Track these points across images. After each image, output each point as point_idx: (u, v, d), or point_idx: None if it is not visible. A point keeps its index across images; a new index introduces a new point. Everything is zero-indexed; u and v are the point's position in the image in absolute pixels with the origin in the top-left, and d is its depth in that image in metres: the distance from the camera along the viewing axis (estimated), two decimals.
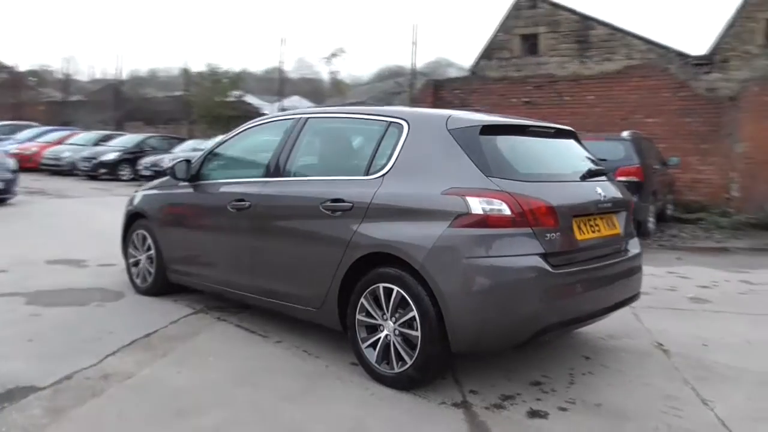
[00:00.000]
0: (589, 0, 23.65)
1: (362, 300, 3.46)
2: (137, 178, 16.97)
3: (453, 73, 39.10)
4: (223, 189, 4.49)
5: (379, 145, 3.64)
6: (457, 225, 3.10)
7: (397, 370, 3.31)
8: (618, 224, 3.71)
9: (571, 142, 4.00)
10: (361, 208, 3.48)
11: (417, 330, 3.20)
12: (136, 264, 5.30)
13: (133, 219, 5.36)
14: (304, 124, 4.15)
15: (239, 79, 21.75)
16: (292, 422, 2.97)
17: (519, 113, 15.15)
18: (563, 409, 3.15)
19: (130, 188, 16.03)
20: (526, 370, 3.66)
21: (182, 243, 4.80)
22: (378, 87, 33.83)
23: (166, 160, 15.81)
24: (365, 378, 3.48)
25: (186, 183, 4.75)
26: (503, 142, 3.44)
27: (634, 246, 3.87)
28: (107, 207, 11.83)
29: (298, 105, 23.91)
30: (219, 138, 4.88)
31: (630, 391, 3.42)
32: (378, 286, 3.37)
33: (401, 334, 3.30)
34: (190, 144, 17.98)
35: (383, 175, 3.49)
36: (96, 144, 19.10)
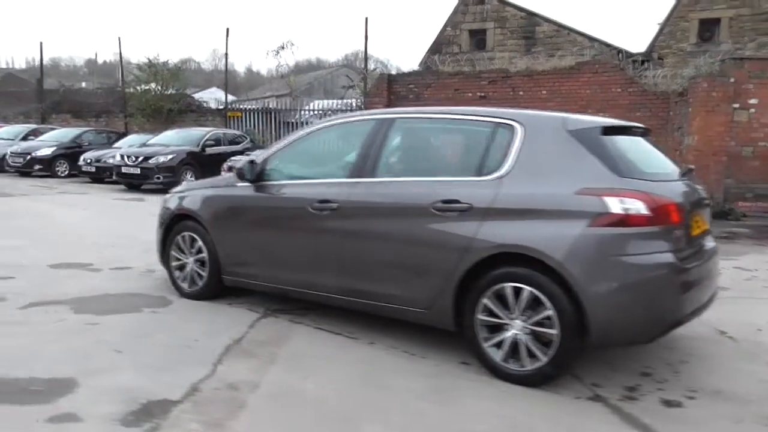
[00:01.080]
0: None
1: (484, 300, 3.51)
2: (78, 174, 15.99)
3: (371, 66, 39.25)
4: (299, 190, 4.39)
5: (488, 146, 3.69)
6: (596, 224, 3.23)
7: (529, 367, 3.40)
8: (707, 220, 3.96)
9: (649, 140, 4.20)
10: (481, 208, 3.52)
11: (554, 328, 3.29)
12: (182, 268, 5.08)
13: (175, 221, 5.12)
14: (391, 124, 4.13)
15: (179, 72, 20.88)
16: (450, 423, 2.99)
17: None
18: (690, 398, 3.35)
19: (74, 185, 15.19)
20: (627, 363, 3.84)
21: (247, 244, 4.64)
22: (302, 80, 33.40)
23: (113, 155, 15.00)
24: (485, 375, 3.55)
25: (248, 183, 4.60)
26: (618, 142, 3.58)
27: (711, 241, 4.15)
28: (65, 206, 11.14)
29: (218, 96, 23.20)
30: (286, 139, 4.74)
31: (729, 377, 3.68)
32: (504, 286, 3.44)
33: (532, 332, 3.39)
34: (133, 139, 17.10)
35: (501, 176, 3.55)
36: (24, 138, 17.79)
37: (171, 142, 15.53)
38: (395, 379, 3.51)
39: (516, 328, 3.44)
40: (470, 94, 15.79)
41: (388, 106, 16.64)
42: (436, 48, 17.40)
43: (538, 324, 3.36)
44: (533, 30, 16.67)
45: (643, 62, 15.45)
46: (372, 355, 3.87)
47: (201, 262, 4.96)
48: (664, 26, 15.53)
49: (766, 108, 11.84)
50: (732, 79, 11.87)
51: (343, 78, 33.82)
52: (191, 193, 5.12)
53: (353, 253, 4.04)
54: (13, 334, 4.04)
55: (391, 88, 16.69)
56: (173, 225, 5.15)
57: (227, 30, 19.65)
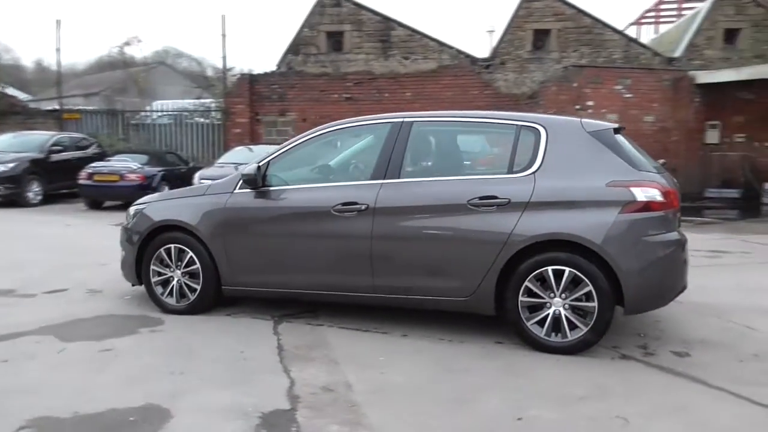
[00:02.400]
0: (389, 1, 25.21)
1: (527, 283, 3.94)
2: None
3: (184, 63, 37.74)
4: (316, 194, 4.45)
5: (515, 147, 4.12)
6: (626, 211, 3.81)
7: (571, 338, 3.89)
8: None
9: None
10: (519, 202, 3.94)
11: (593, 301, 3.82)
12: (165, 282, 4.83)
13: (153, 234, 4.84)
14: (410, 127, 4.36)
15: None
16: (550, 389, 3.36)
17: (341, 109, 15.96)
18: (689, 348, 4.09)
19: None
20: (621, 330, 4.49)
21: (255, 252, 4.57)
22: (105, 78, 30.93)
23: None
24: (525, 350, 3.98)
25: (252, 189, 4.55)
26: (622, 140, 4.21)
27: None
28: None
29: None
30: (287, 144, 4.72)
31: (700, 330, 4.50)
32: (546, 269, 3.89)
33: (572, 307, 3.89)
34: None
35: (533, 173, 4.00)
36: None
37: (8, 148, 13.80)
38: (466, 362, 3.81)
39: (557, 306, 3.91)
40: (336, 95, 16.15)
41: (251, 106, 16.42)
42: (294, 49, 17.40)
43: (578, 300, 3.87)
44: (389, 34, 17.41)
45: (487, 66, 16.95)
46: (420, 346, 4.10)
47: (191, 275, 4.76)
48: (504, 34, 17.16)
49: (600, 108, 13.76)
50: (575, 84, 13.62)
51: (162, 76, 32.02)
52: (175, 202, 4.88)
53: (388, 252, 4.22)
54: (31, 369, 3.64)
55: (253, 89, 16.47)
56: (151, 238, 4.86)
57: (58, 22, 17.82)
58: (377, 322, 4.52)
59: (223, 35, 17.22)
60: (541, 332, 3.96)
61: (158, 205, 4.97)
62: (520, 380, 3.52)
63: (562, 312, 3.91)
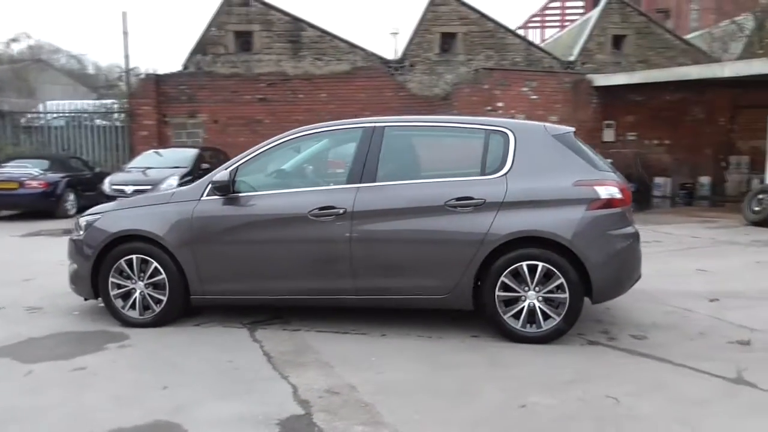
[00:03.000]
0: (297, 2, 24.77)
1: (503, 278, 4.16)
2: None
3: (62, 60, 35.45)
4: (289, 199, 4.44)
5: (486, 150, 4.33)
6: (591, 208, 4.12)
7: (545, 327, 4.16)
8: None
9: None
10: (494, 202, 4.16)
11: (565, 293, 4.10)
12: (126, 296, 4.63)
13: (111, 245, 4.62)
14: (382, 132, 4.46)
15: None
16: (539, 375, 3.57)
17: (254, 111, 15.71)
18: (644, 331, 4.49)
19: None
20: (581, 317, 4.83)
21: (228, 260, 4.48)
22: None
23: None
24: (501, 342, 4.20)
25: (221, 196, 4.47)
26: (579, 143, 4.53)
27: None
28: None
29: None
30: (255, 149, 4.65)
31: (646, 314, 4.93)
32: (521, 265, 4.14)
33: (545, 299, 4.15)
34: None
35: (505, 174, 4.23)
36: None
37: None
38: (452, 356, 3.97)
39: (531, 298, 4.17)
40: (249, 97, 15.86)
41: (157, 108, 15.76)
42: (202, 49, 16.87)
43: (550, 292, 4.14)
44: (299, 35, 17.29)
45: (397, 68, 17.30)
46: (403, 345, 4.20)
47: (156, 285, 4.60)
48: (413, 37, 17.58)
49: (509, 109, 14.45)
50: (486, 86, 14.22)
51: (41, 74, 29.83)
52: (135, 212, 4.68)
53: (368, 254, 4.30)
54: (2, 396, 3.39)
55: (160, 89, 15.83)
56: (108, 249, 4.64)
57: None
58: (352, 324, 4.59)
59: (125, 33, 16.44)
60: (517, 324, 4.19)
61: (114, 215, 4.75)
62: (510, 370, 3.73)
63: (536, 304, 4.16)
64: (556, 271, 4.11)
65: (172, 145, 14.81)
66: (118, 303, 4.65)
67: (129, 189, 10.64)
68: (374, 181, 4.36)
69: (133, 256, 4.59)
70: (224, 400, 3.30)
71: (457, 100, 14.21)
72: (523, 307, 4.18)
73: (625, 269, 4.28)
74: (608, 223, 4.16)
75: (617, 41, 18.45)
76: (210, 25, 17.08)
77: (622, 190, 4.26)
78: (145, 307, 4.63)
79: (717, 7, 21.23)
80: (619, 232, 4.20)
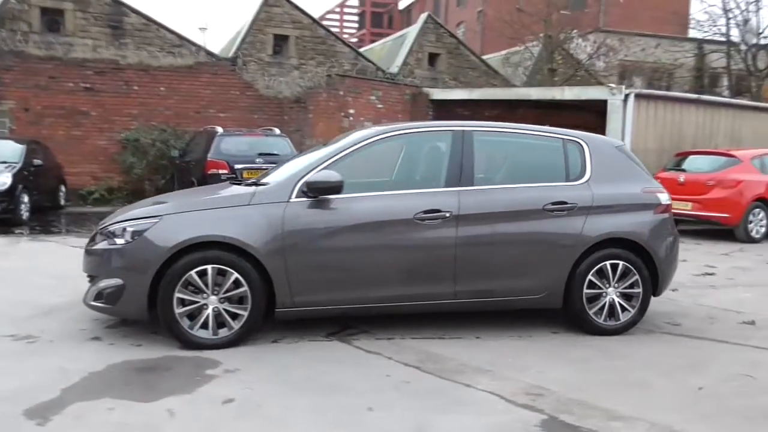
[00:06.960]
0: None
1: (590, 277, 4.52)
2: None
3: None
4: (391, 202, 4.23)
5: (566, 158, 4.65)
6: (657, 212, 4.71)
7: (623, 320, 4.61)
8: None
9: None
10: (584, 206, 4.50)
11: (639, 287, 4.61)
12: (194, 314, 3.96)
13: (177, 256, 3.91)
14: (471, 136, 4.49)
15: None
16: (628, 371, 3.95)
17: (79, 100, 13.80)
18: (673, 320, 5.21)
19: None
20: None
21: (326, 267, 4.10)
22: None
23: None
24: (580, 336, 4.55)
25: (308, 198, 4.09)
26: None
27: None
28: None
29: None
30: (333, 149, 4.28)
31: (664, 304, 5.69)
32: (605, 264, 4.54)
33: (622, 294, 4.61)
34: None
35: (587, 181, 4.60)
36: None
37: None
38: (571, 352, 4.20)
39: (611, 294, 4.59)
40: (72, 84, 13.87)
41: None
42: (0, 21, 14.15)
43: (628, 287, 4.62)
44: (121, 20, 15.39)
45: (232, 66, 16.59)
46: (509, 345, 4.28)
47: (232, 299, 4.01)
48: (246, 35, 16.97)
49: (359, 117, 14.86)
50: (341, 92, 14.42)
51: None
52: (205, 215, 4.01)
53: (471, 257, 4.29)
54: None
55: None
56: (173, 261, 3.91)
57: None
58: (440, 330, 4.53)
59: None
60: (600, 318, 4.58)
61: (176, 220, 4.00)
62: (628, 361, 4.05)
63: (615, 299, 4.60)
64: (632, 268, 4.59)
65: None
66: (185, 323, 3.94)
67: None
68: (472, 185, 4.39)
69: (209, 266, 3.93)
70: (445, 413, 3.10)
71: (312, 104, 14.16)
72: (605, 303, 4.58)
73: (675, 265, 4.95)
74: (668, 226, 4.79)
75: (432, 59, 20.09)
76: None
77: (670, 198, 4.95)
78: (220, 325, 3.99)
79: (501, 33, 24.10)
80: (672, 233, 4.86)
